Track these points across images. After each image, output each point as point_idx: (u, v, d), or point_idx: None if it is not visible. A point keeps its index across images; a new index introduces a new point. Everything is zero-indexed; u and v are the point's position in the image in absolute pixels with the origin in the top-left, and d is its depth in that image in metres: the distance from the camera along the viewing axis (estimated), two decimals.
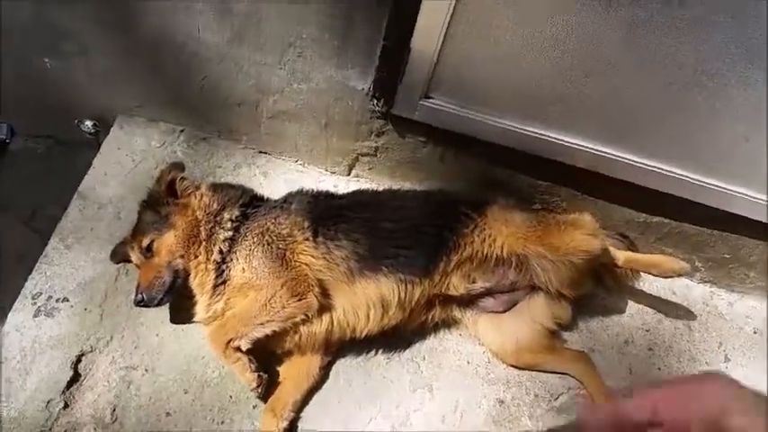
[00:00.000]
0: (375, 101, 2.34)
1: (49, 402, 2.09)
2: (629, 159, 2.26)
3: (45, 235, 2.49)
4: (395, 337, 2.32)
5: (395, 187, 2.67)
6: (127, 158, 2.71)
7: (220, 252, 2.20)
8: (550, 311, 2.34)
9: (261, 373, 2.06)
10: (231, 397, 2.18)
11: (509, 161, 2.45)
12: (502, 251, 2.21)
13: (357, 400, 2.24)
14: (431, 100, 2.26)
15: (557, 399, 2.30)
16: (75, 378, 2.16)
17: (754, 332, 2.58)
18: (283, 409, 2.12)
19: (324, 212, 2.24)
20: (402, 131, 2.49)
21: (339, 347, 2.30)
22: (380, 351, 2.34)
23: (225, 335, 2.06)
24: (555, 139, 2.26)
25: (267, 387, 2.10)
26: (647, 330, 2.51)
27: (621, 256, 2.35)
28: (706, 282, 2.70)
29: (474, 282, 2.28)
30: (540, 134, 2.26)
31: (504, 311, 2.36)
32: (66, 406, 2.10)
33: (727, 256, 2.56)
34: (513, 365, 2.35)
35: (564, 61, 2.01)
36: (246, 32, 2.26)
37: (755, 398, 0.66)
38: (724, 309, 2.63)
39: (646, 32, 1.86)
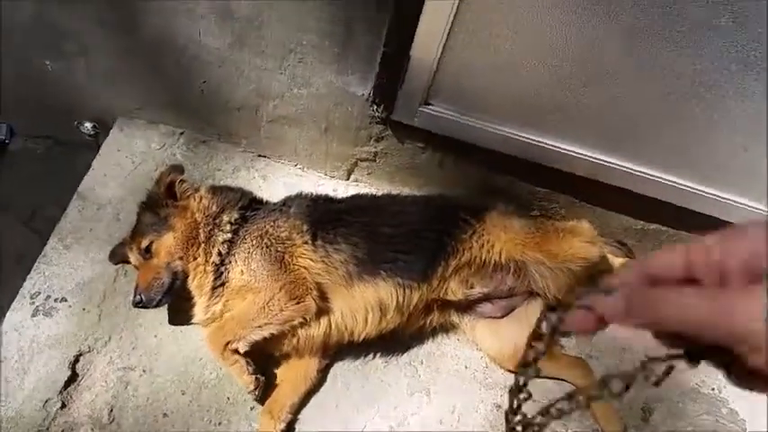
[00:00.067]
0: (375, 107, 2.36)
1: (46, 402, 2.09)
2: (627, 167, 2.27)
3: (44, 235, 2.49)
4: (393, 341, 2.32)
5: (394, 192, 2.68)
6: (126, 160, 2.72)
7: (219, 254, 2.20)
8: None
9: (258, 376, 2.06)
10: (229, 398, 2.19)
11: (508, 168, 2.46)
12: (500, 257, 2.21)
13: (355, 403, 2.24)
14: (430, 106, 2.27)
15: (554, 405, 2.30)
16: (73, 378, 2.16)
17: None
18: (281, 411, 2.13)
19: (323, 216, 2.25)
20: (401, 137, 2.50)
21: (337, 351, 2.30)
22: (378, 355, 2.34)
23: (223, 337, 2.06)
24: (554, 146, 2.27)
25: (264, 389, 2.11)
26: (645, 337, 2.51)
27: (620, 263, 2.36)
28: None
29: (472, 287, 2.28)
30: (539, 142, 2.27)
31: (502, 317, 2.36)
32: (63, 406, 2.10)
33: None
34: (510, 371, 2.35)
35: (563, 70, 2.03)
36: (247, 37, 2.26)
37: None
38: None
39: (644, 42, 1.87)
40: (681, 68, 1.92)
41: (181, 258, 2.22)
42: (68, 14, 2.39)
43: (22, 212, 2.92)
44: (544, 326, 0.75)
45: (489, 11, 1.92)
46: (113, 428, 2.08)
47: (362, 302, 2.15)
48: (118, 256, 2.39)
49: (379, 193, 2.58)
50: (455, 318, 2.38)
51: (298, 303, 2.07)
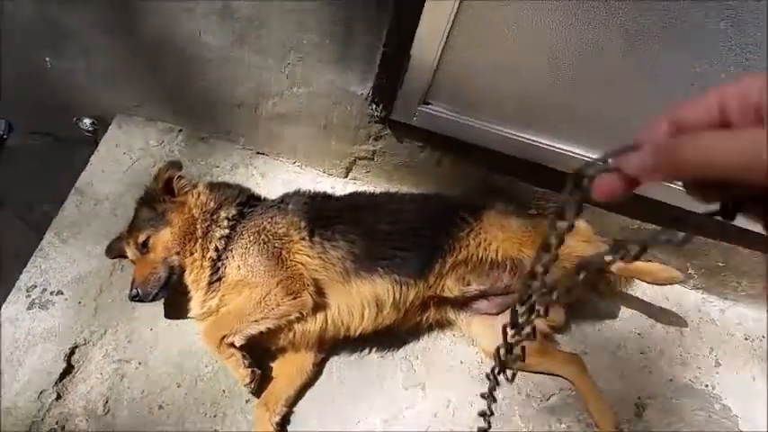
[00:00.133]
0: (374, 106, 2.37)
1: (41, 393, 2.09)
2: None
3: (41, 230, 2.49)
4: (389, 337, 2.32)
5: (392, 191, 2.69)
6: (125, 156, 2.73)
7: (216, 250, 2.21)
8: None
9: (254, 369, 2.07)
10: (224, 391, 2.18)
11: (506, 168, 2.47)
12: (497, 255, 2.23)
13: (350, 397, 2.24)
14: (430, 106, 2.28)
15: (548, 399, 2.31)
16: (69, 370, 2.15)
17: (745, 338, 2.60)
18: (276, 404, 2.12)
19: (320, 213, 2.26)
20: (400, 136, 2.52)
21: (333, 345, 2.30)
22: (374, 350, 2.34)
23: (219, 331, 2.07)
24: (552, 146, 2.28)
25: (260, 383, 2.10)
26: (640, 335, 2.53)
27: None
28: (699, 288, 2.72)
29: (468, 284, 2.29)
30: (538, 142, 2.28)
31: (498, 314, 2.37)
32: (58, 397, 2.10)
33: (721, 264, 2.58)
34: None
35: (562, 70, 2.04)
36: (248, 36, 2.28)
37: None
38: (716, 315, 2.66)
39: (643, 44, 1.89)
40: (680, 70, 1.94)
41: (178, 253, 2.22)
42: (68, 12, 2.41)
43: (19, 207, 2.92)
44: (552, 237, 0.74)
45: (489, 11, 1.94)
46: (108, 420, 2.08)
47: (359, 298, 2.16)
48: (115, 251, 2.39)
49: (377, 192, 2.59)
50: (451, 314, 2.38)
51: (294, 299, 2.08)
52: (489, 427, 1.09)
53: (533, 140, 2.28)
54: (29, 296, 2.29)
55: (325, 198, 2.40)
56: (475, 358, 2.38)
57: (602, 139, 2.23)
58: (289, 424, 2.16)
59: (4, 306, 2.26)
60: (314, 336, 2.18)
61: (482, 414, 1.07)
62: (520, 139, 2.28)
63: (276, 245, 2.15)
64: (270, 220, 2.22)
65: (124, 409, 2.11)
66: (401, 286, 2.17)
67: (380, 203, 2.39)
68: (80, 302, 2.30)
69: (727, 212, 0.59)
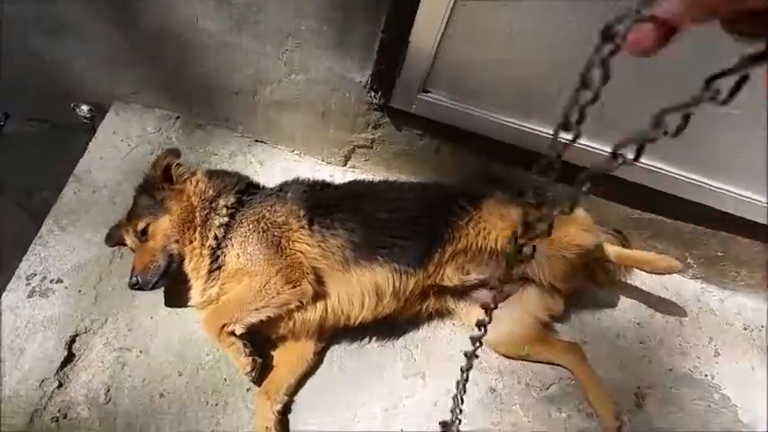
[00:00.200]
0: (373, 93, 2.36)
1: (42, 382, 2.10)
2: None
3: (40, 217, 2.49)
4: (389, 326, 2.33)
5: (391, 179, 2.68)
6: (122, 143, 2.72)
7: (215, 238, 2.20)
8: (543, 304, 2.35)
9: (255, 358, 2.07)
10: (225, 379, 2.19)
11: (505, 156, 2.46)
12: (496, 244, 2.22)
13: (350, 386, 2.25)
14: (428, 94, 2.27)
15: (548, 388, 2.32)
16: (70, 358, 2.16)
17: (744, 328, 2.61)
18: (277, 393, 2.13)
19: (319, 201, 2.25)
20: (399, 124, 2.50)
21: (333, 334, 2.31)
22: (374, 339, 2.35)
23: (219, 319, 2.07)
24: (551, 135, 2.27)
25: (261, 371, 2.11)
26: (639, 324, 2.54)
27: (615, 251, 2.37)
28: (698, 278, 2.73)
29: (468, 273, 2.29)
30: (537, 130, 2.27)
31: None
32: (60, 386, 2.10)
33: (720, 254, 2.59)
34: (505, 355, 2.37)
35: (561, 59, 2.02)
36: (246, 22, 2.26)
37: None
38: (715, 305, 2.67)
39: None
40: (678, 61, 1.92)
41: (177, 241, 2.22)
42: None
43: (17, 195, 2.91)
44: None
45: None
46: (110, 408, 2.09)
47: (359, 287, 2.16)
48: (114, 239, 2.38)
49: (376, 180, 2.58)
50: (451, 303, 2.38)
51: (294, 287, 2.08)
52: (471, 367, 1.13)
53: (533, 129, 2.27)
54: (29, 284, 2.29)
55: (324, 186, 2.39)
56: None
57: (603, 128, 2.22)
58: (290, 412, 2.17)
59: (4, 294, 2.26)
60: (314, 324, 2.18)
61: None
62: (519, 127, 2.27)
63: (275, 233, 2.15)
64: (269, 208, 2.21)
65: (125, 397, 2.11)
66: (401, 275, 2.17)
67: (379, 192, 2.38)
68: (80, 291, 2.30)
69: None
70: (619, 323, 2.53)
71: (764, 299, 2.69)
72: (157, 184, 2.28)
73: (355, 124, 2.55)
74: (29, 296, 2.26)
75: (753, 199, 2.28)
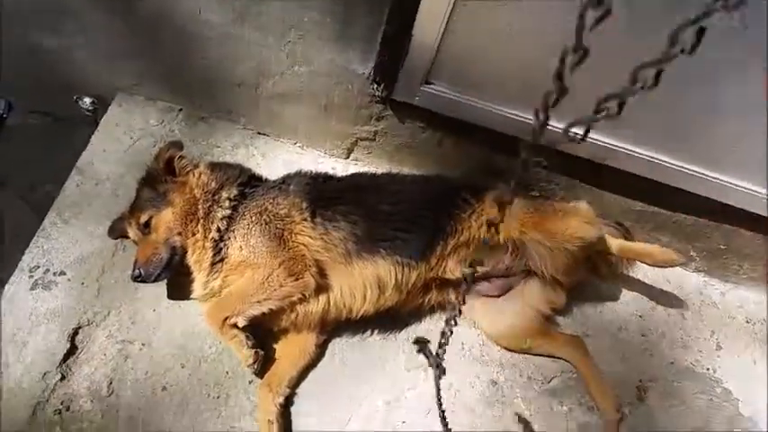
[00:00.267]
0: (375, 85, 2.35)
1: (45, 374, 2.10)
2: (626, 149, 2.27)
3: (43, 210, 2.49)
4: (391, 318, 2.33)
5: (393, 171, 2.68)
6: (125, 136, 2.71)
7: (218, 230, 2.20)
8: (545, 296, 2.36)
9: (257, 350, 2.07)
10: (228, 372, 2.20)
11: (508, 148, 2.45)
12: (498, 237, 2.22)
13: (352, 378, 2.26)
14: (431, 86, 2.26)
15: (550, 381, 2.33)
16: (72, 351, 2.17)
17: (746, 321, 2.61)
18: (279, 385, 2.14)
19: (322, 194, 2.25)
20: (401, 117, 2.50)
21: (335, 326, 2.31)
22: (376, 331, 2.36)
23: (222, 312, 2.07)
24: (554, 127, 2.26)
25: (263, 364, 2.11)
26: (641, 317, 2.54)
27: (617, 244, 2.37)
28: (700, 271, 2.73)
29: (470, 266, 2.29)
30: None
31: (500, 296, 2.38)
32: (62, 378, 2.11)
33: (722, 247, 2.58)
34: (507, 348, 2.37)
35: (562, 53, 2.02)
36: (248, 13, 2.25)
37: None
38: (717, 298, 2.67)
39: (647, 29, 1.86)
40: (682, 56, 1.91)
41: (180, 234, 2.22)
42: None
43: (20, 187, 2.91)
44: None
45: None
46: (112, 401, 2.09)
47: (361, 280, 2.16)
48: (117, 231, 2.39)
49: (379, 172, 2.58)
50: (453, 296, 2.38)
51: (296, 280, 2.08)
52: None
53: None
54: (32, 276, 2.29)
55: (326, 179, 2.38)
56: (476, 340, 2.39)
57: (603, 121, 2.21)
58: (292, 405, 2.18)
59: (6, 287, 2.26)
60: (316, 317, 2.18)
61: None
62: (521, 119, 2.26)
63: (278, 225, 2.15)
64: (272, 200, 2.21)
65: (128, 389, 2.12)
66: (403, 268, 2.17)
67: (382, 184, 2.38)
68: (83, 283, 2.30)
69: None
70: (621, 316, 2.53)
71: (767, 292, 2.68)
72: (160, 177, 2.28)
73: (358, 116, 2.55)
74: (32, 288, 2.26)
75: (753, 191, 2.28)
